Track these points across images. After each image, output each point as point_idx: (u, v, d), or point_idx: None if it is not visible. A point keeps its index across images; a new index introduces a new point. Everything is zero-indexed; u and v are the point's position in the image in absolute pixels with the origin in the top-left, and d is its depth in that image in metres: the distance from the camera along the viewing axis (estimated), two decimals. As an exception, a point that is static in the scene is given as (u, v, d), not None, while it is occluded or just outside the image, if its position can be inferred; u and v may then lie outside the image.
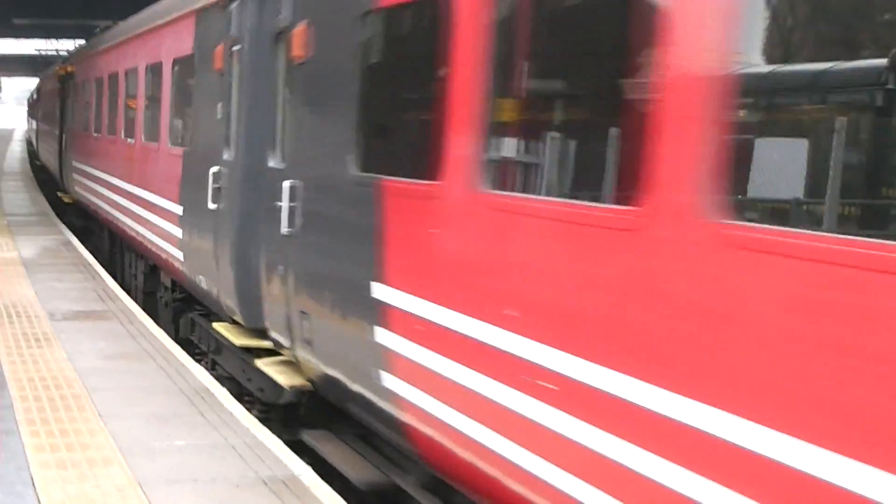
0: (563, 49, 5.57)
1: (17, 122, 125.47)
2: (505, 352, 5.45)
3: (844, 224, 3.96)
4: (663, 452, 4.36)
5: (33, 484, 6.70)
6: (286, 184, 8.44)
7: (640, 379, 4.52)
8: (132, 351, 10.33)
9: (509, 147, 5.95)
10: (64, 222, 22.68)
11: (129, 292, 15.17)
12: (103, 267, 16.36)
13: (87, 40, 41.44)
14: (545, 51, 5.74)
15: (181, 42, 12.78)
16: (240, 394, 9.62)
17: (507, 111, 5.86)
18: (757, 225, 4.08)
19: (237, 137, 10.14)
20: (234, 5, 10.38)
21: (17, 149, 58.82)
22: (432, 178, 6.21)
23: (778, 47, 4.41)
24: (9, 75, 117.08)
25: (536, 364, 5.19)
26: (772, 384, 3.89)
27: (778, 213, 4.32)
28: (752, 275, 4.01)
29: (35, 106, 52.20)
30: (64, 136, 26.74)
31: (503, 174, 5.84)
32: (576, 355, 4.92)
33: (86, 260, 16.52)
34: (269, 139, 9.51)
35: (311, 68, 8.40)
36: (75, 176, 22.94)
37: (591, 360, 4.84)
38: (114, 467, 7.03)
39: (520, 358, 5.32)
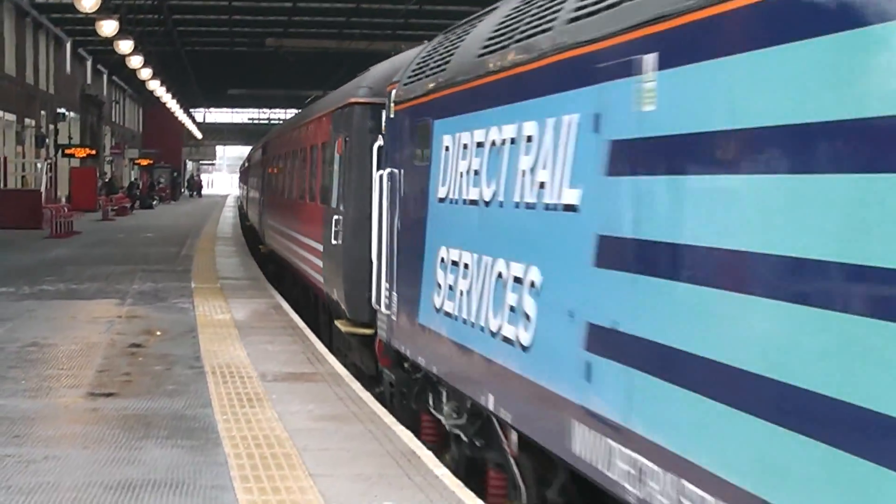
0: None
1: (230, 188, 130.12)
2: None
3: None
4: None
5: (248, 540, 6.91)
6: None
7: None
8: (340, 413, 10.56)
9: None
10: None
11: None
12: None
13: (298, 109, 42.74)
14: None
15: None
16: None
17: None
18: None
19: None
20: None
21: (228, 214, 60.94)
22: None
23: None
24: (223, 144, 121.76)
25: None
26: None
27: None
28: None
29: (245, 173, 55.20)
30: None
31: None
32: None
33: (295, 323, 16.98)
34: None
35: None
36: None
37: None
38: (324, 526, 7.18)
39: None
